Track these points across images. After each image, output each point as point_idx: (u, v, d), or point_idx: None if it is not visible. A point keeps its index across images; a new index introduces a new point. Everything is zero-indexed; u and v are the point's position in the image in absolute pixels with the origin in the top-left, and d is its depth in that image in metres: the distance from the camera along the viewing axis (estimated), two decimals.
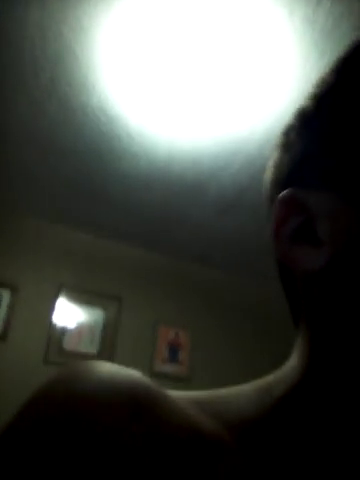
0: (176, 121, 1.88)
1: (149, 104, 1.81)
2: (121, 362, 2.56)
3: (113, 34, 1.55)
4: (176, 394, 0.30)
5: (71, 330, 2.55)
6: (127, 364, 2.57)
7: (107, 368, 0.27)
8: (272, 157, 0.36)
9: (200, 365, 2.74)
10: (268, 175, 0.37)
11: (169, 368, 2.66)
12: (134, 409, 0.24)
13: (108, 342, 2.59)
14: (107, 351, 2.56)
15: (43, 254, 2.67)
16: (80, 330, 2.57)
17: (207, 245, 2.78)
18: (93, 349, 2.54)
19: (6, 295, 2.48)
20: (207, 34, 1.51)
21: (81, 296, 2.63)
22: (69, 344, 2.51)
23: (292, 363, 0.33)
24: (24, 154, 2.18)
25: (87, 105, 1.86)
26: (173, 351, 2.72)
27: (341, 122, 0.30)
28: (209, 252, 2.86)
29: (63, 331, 2.53)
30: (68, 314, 2.57)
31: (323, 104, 0.32)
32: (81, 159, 2.18)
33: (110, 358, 2.54)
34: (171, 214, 2.51)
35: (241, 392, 0.32)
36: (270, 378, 0.33)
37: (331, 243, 0.29)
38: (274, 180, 0.35)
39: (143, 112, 1.86)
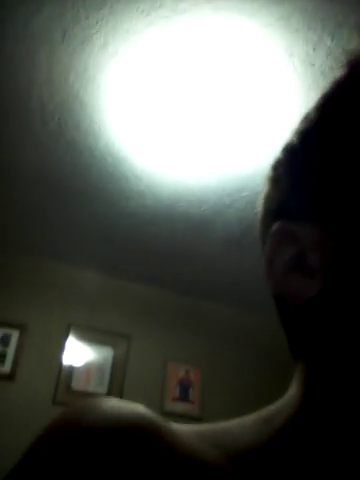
0: (181, 160, 1.92)
1: (154, 145, 1.86)
2: (131, 400, 2.52)
3: (118, 79, 1.61)
4: (179, 426, 0.30)
5: (80, 369, 2.52)
6: (136, 403, 2.53)
7: (112, 403, 0.28)
8: (263, 191, 0.38)
9: (212, 403, 2.68)
10: (259, 209, 0.38)
11: (180, 407, 2.61)
12: (138, 441, 0.25)
13: (117, 381, 2.55)
14: (116, 390, 2.53)
15: (52, 293, 2.68)
16: (89, 369, 2.54)
17: (215, 281, 2.78)
18: (102, 389, 2.51)
19: (15, 335, 2.48)
20: (210, 76, 1.57)
21: (90, 335, 2.62)
22: (78, 384, 2.48)
23: (291, 392, 0.33)
24: (33, 195, 2.23)
25: (94, 148, 1.92)
26: (184, 389, 2.67)
27: (325, 157, 0.32)
28: (217, 288, 2.86)
29: (72, 371, 2.50)
30: (77, 353, 2.56)
31: (308, 140, 0.34)
32: (89, 200, 2.22)
33: (120, 397, 2.50)
34: (178, 251, 2.52)
35: (243, 423, 0.33)
36: (271, 408, 0.33)
37: (322, 273, 0.30)
38: (265, 213, 0.37)
39: (149, 153, 1.90)
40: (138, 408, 0.28)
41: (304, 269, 0.31)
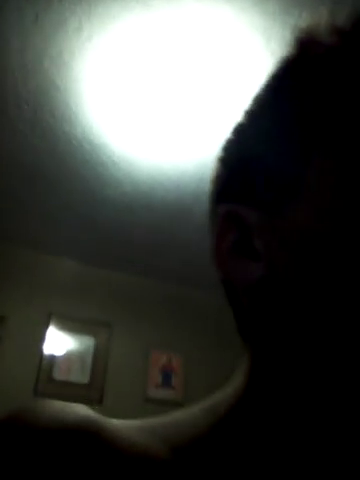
0: (159, 147, 1.90)
1: (132, 131, 1.84)
2: (113, 389, 2.53)
3: (94, 64, 1.58)
4: (123, 423, 0.31)
5: (61, 359, 2.51)
6: (119, 391, 2.54)
7: (54, 405, 0.28)
8: (213, 171, 0.37)
9: (195, 389, 2.71)
10: (210, 189, 0.37)
11: (163, 393, 2.62)
12: (81, 441, 0.25)
13: (99, 370, 2.55)
14: (98, 379, 2.52)
15: (31, 283, 2.65)
16: (70, 359, 2.53)
17: (195, 268, 2.78)
18: (84, 378, 2.50)
19: None
20: (187, 61, 1.55)
21: (70, 324, 2.61)
22: (59, 374, 2.47)
23: (236, 379, 0.33)
24: (10, 183, 2.19)
25: (71, 134, 1.88)
26: (166, 376, 2.69)
27: (270, 139, 0.31)
28: (197, 275, 2.87)
29: (53, 361, 2.49)
30: (58, 343, 2.54)
31: (255, 120, 0.33)
32: (66, 187, 2.19)
33: (102, 386, 2.51)
34: (157, 238, 2.52)
35: (188, 414, 0.32)
36: (217, 396, 0.33)
37: (266, 256, 0.30)
38: (213, 195, 0.36)
39: (126, 139, 1.88)
40: (80, 409, 0.29)
41: (249, 253, 0.31)
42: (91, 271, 2.83)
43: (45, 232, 2.55)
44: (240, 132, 0.34)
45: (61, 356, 2.52)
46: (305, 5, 1.38)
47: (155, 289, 2.96)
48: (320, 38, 0.31)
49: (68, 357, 2.53)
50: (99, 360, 2.57)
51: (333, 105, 0.28)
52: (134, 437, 0.28)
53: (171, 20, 1.43)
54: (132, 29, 1.46)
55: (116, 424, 0.29)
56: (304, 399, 0.28)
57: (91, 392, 2.47)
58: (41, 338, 2.52)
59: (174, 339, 2.83)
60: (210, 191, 0.37)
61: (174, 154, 1.94)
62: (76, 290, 2.74)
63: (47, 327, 2.55)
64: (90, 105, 1.74)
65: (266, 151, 0.31)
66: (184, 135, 1.84)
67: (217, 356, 2.88)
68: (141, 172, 2.06)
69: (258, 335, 0.32)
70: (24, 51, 1.56)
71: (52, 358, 2.49)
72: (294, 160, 0.29)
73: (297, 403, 0.28)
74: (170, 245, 2.57)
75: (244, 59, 1.53)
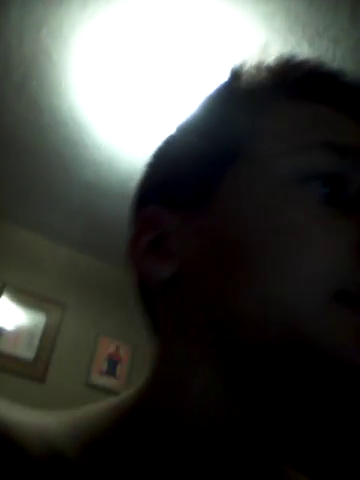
0: (142, 137, 1.90)
1: (118, 117, 1.83)
2: (57, 370, 2.51)
3: (92, 43, 1.56)
4: (32, 415, 0.31)
5: (9, 332, 2.47)
6: (62, 373, 2.52)
7: None
8: (140, 177, 0.41)
9: (138, 381, 2.71)
10: (132, 203, 0.41)
11: (105, 381, 2.62)
12: None
13: (46, 348, 2.52)
14: (44, 357, 2.50)
15: None
16: (19, 333, 2.49)
17: None
18: (30, 354, 2.47)
19: None
20: (185, 56, 1.55)
21: (24, 298, 2.57)
22: (5, 346, 2.43)
23: (145, 376, 0.35)
24: None
25: (56, 109, 1.85)
26: (112, 364, 2.69)
27: (192, 150, 0.35)
28: None
29: (0, 332, 2.45)
30: (8, 315, 2.50)
31: (183, 133, 0.37)
32: (43, 161, 2.15)
33: (46, 365, 2.48)
34: (125, 227, 2.50)
35: (101, 409, 0.33)
36: (127, 392, 0.35)
37: (179, 254, 0.33)
38: (137, 196, 0.40)
39: (111, 124, 1.87)
40: None
41: (162, 252, 0.34)
42: (52, 248, 2.79)
43: (12, 202, 2.50)
44: (169, 142, 0.38)
45: (9, 329, 2.48)
46: (309, 29, 1.40)
47: (115, 277, 2.94)
48: (249, 71, 0.36)
49: (17, 331, 2.49)
50: (47, 338, 2.55)
51: (244, 129, 0.33)
52: (42, 432, 0.28)
53: (176, 13, 1.42)
54: (136, 13, 1.45)
55: (24, 417, 0.29)
56: (203, 392, 0.30)
57: (35, 369, 2.44)
58: None
59: (126, 329, 2.82)
60: (134, 196, 0.40)
61: (155, 145, 1.94)
62: (34, 265, 2.69)
63: None
64: (81, 83, 1.72)
65: (188, 160, 0.35)
66: (167, 127, 1.84)
67: None
68: (121, 160, 2.05)
69: (165, 330, 0.34)
70: (23, 16, 1.52)
71: (0, 329, 2.45)
72: (211, 170, 0.33)
73: (196, 398, 0.30)
74: None
75: (240, 52, 1.54)
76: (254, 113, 0.34)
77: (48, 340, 2.54)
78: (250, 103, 0.34)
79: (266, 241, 0.29)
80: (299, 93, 0.33)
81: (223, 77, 0.38)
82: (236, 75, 0.37)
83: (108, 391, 2.57)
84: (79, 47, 1.59)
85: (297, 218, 0.29)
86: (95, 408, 0.34)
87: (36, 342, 2.51)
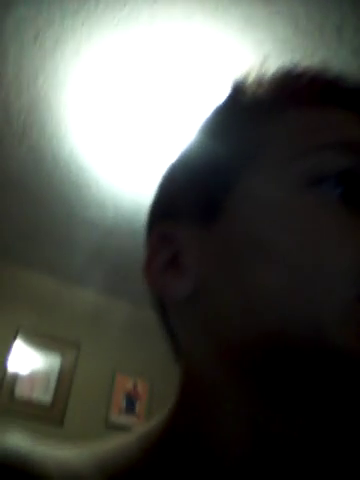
0: (145, 174, 1.92)
1: (119, 156, 1.86)
2: (75, 411, 2.47)
3: (88, 87, 1.61)
4: (57, 453, 0.30)
5: (25, 376, 2.45)
6: (81, 414, 2.48)
7: None
8: (151, 200, 0.40)
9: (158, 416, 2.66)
10: (145, 223, 0.40)
11: (125, 419, 2.57)
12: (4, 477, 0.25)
13: (63, 390, 2.49)
14: (62, 399, 2.46)
15: (1, 295, 2.60)
16: (34, 376, 2.47)
17: None
18: (47, 397, 2.44)
19: None
20: (182, 92, 1.59)
21: (38, 340, 2.56)
22: (22, 391, 2.40)
23: (172, 402, 0.33)
24: None
25: (58, 154, 1.89)
26: (130, 402, 2.64)
27: (202, 164, 0.35)
28: None
29: (16, 377, 2.42)
30: (23, 359, 2.48)
31: (192, 149, 0.38)
32: (49, 205, 2.18)
33: (64, 408, 2.44)
34: (135, 263, 2.50)
35: (127, 440, 0.33)
36: (152, 422, 0.34)
37: (195, 270, 0.32)
38: (149, 217, 0.40)
39: (112, 163, 1.90)
40: (5, 440, 0.28)
41: (179, 269, 0.33)
42: (64, 289, 2.80)
43: (21, 246, 2.53)
44: (177, 161, 0.39)
45: (25, 373, 2.46)
46: (297, 53, 1.44)
47: (127, 313, 2.93)
48: (252, 83, 0.37)
49: (32, 374, 2.47)
50: (64, 380, 2.52)
51: (252, 138, 0.33)
52: (65, 467, 0.28)
53: (170, 49, 1.47)
54: (130, 58, 1.49)
55: (47, 454, 0.29)
56: (234, 414, 0.28)
57: (53, 413, 2.41)
58: (6, 352, 2.46)
59: (142, 365, 2.79)
60: (146, 219, 0.40)
61: (158, 182, 1.96)
62: (47, 307, 2.69)
63: (14, 341, 2.50)
64: (80, 126, 1.76)
65: (198, 174, 0.35)
66: (168, 163, 1.86)
67: None
68: (125, 197, 2.07)
69: (188, 351, 0.33)
70: (21, 65, 1.57)
71: (15, 374, 2.43)
72: (221, 181, 0.33)
73: (228, 420, 0.29)
74: None
75: (233, 78, 1.57)
76: (260, 122, 0.34)
77: (64, 381, 2.51)
78: (256, 113, 0.35)
79: (285, 246, 0.28)
80: (304, 99, 0.34)
81: (219, 101, 0.39)
82: (239, 87, 0.37)
83: (128, 429, 2.51)
84: (75, 91, 1.63)
85: (314, 219, 0.28)
86: (119, 440, 0.33)
87: (53, 384, 2.48)
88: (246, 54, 1.45)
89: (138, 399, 2.66)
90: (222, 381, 0.29)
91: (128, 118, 1.70)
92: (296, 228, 0.28)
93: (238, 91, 0.37)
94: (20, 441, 0.29)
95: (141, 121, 1.70)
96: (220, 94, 0.39)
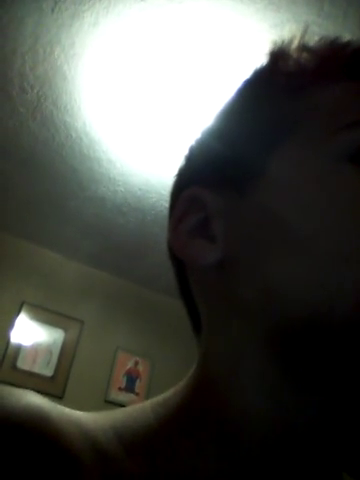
0: (157, 152, 1.91)
1: (132, 132, 1.84)
2: (75, 386, 2.50)
3: (104, 60, 1.58)
4: (75, 414, 0.30)
5: (27, 349, 2.47)
6: (81, 389, 2.51)
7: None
8: (178, 167, 0.39)
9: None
10: (172, 188, 0.39)
11: (124, 397, 2.60)
12: (21, 431, 0.24)
13: (64, 365, 2.52)
14: (62, 374, 2.49)
15: (7, 269, 2.61)
16: (37, 350, 2.50)
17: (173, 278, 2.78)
18: (48, 371, 2.47)
19: None
20: (197, 70, 1.56)
21: (42, 315, 2.58)
22: (24, 363, 2.43)
23: (190, 372, 0.33)
24: (2, 165, 2.16)
25: (71, 126, 1.88)
26: (131, 380, 2.67)
27: (239, 130, 0.34)
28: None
29: (19, 350, 2.45)
30: (27, 332, 2.51)
31: (225, 116, 0.36)
32: (58, 178, 2.17)
33: (65, 382, 2.48)
34: (142, 242, 2.51)
35: (141, 408, 0.32)
36: (170, 391, 0.33)
37: (224, 238, 0.31)
38: (176, 186, 0.38)
39: (125, 139, 1.88)
40: (27, 396, 0.27)
41: (207, 235, 0.32)
42: (70, 265, 2.81)
43: (29, 220, 2.53)
44: (210, 127, 0.37)
45: (28, 346, 2.48)
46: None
47: (132, 292, 2.94)
48: (291, 53, 0.34)
49: (35, 348, 2.50)
50: (66, 355, 2.54)
51: (290, 109, 0.32)
52: (83, 430, 0.27)
53: (186, 27, 1.44)
54: (147, 31, 1.47)
55: (66, 414, 0.28)
56: (255, 390, 0.28)
57: (53, 386, 2.44)
58: (10, 325, 2.49)
59: (144, 344, 2.81)
60: (173, 184, 0.39)
61: (171, 162, 1.94)
62: (53, 282, 2.71)
63: (18, 315, 2.52)
64: (95, 100, 1.74)
65: (234, 139, 0.34)
66: (183, 144, 1.85)
67: (185, 367, 2.87)
68: (136, 174, 2.06)
69: (211, 322, 0.32)
70: (38, 36, 1.55)
71: (18, 347, 2.46)
72: (259, 148, 0.32)
73: (248, 396, 0.28)
74: (153, 251, 2.56)
75: (251, 62, 1.55)
76: (300, 93, 0.33)
77: (66, 357, 2.54)
78: (295, 84, 0.33)
79: (322, 222, 0.27)
80: (345, 73, 0.33)
81: (238, 82, 0.37)
82: (276, 58, 0.35)
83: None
84: (92, 64, 1.61)
85: (354, 196, 0.27)
86: (132, 410, 0.32)
87: (55, 359, 2.51)
88: (265, 36, 1.42)
89: (138, 377, 2.69)
90: (241, 354, 0.29)
91: (143, 94, 1.67)
92: (332, 207, 0.27)
93: (276, 60, 0.35)
94: (41, 399, 0.28)
95: (156, 98, 1.68)
96: (235, 77, 0.37)
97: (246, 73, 0.38)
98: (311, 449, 0.27)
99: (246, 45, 1.46)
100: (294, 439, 0.27)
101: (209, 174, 0.34)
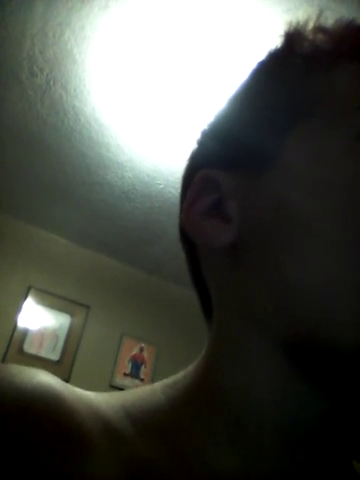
0: (166, 139, 1.89)
1: (141, 118, 1.83)
2: (80, 371, 2.52)
3: (114, 44, 1.57)
4: (86, 394, 0.30)
5: (34, 333, 2.49)
6: (86, 374, 2.53)
7: (12, 368, 0.27)
8: (191, 151, 0.39)
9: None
10: (184, 172, 0.39)
11: (129, 383, 2.62)
12: (34, 408, 0.24)
13: (70, 349, 2.54)
14: (68, 358, 2.51)
15: (15, 253, 2.62)
16: (43, 334, 2.52)
17: (181, 264, 2.78)
18: (54, 355, 2.49)
19: None
20: (207, 56, 1.54)
21: (49, 299, 2.59)
22: (30, 347, 2.45)
23: (202, 354, 0.33)
24: (8, 151, 2.16)
25: (80, 110, 1.86)
26: (136, 366, 2.69)
27: (254, 112, 0.33)
28: (182, 271, 2.86)
29: (25, 333, 2.47)
30: (33, 317, 2.53)
31: (241, 98, 0.36)
32: (67, 163, 2.17)
33: (71, 366, 2.50)
34: (149, 229, 2.51)
35: (151, 389, 0.32)
36: (180, 373, 0.33)
37: (238, 220, 0.31)
38: (188, 169, 0.38)
39: (135, 125, 1.87)
40: (39, 374, 0.28)
41: (222, 216, 0.32)
42: (78, 251, 2.82)
43: (37, 204, 2.53)
44: (224, 112, 0.36)
45: (35, 330, 2.50)
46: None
47: (138, 279, 2.95)
48: (307, 34, 0.33)
49: (42, 332, 2.51)
50: (72, 339, 2.56)
51: (308, 90, 0.31)
52: (95, 410, 0.27)
53: (200, 11, 1.42)
54: (160, 15, 1.45)
55: (77, 393, 0.28)
56: (264, 379, 0.28)
57: (59, 370, 2.46)
58: (17, 309, 2.51)
59: (149, 330, 2.83)
60: (185, 168, 0.38)
61: (179, 149, 1.93)
62: (60, 267, 2.72)
63: (25, 299, 2.54)
64: (104, 84, 1.72)
65: (250, 121, 0.33)
66: (193, 132, 1.83)
67: (190, 353, 2.88)
68: (144, 160, 2.05)
69: (219, 303, 0.32)
70: (48, 19, 1.54)
71: (25, 331, 2.47)
72: (275, 130, 0.31)
73: (256, 384, 0.28)
74: (160, 238, 2.56)
75: (261, 48, 1.52)
76: (315, 75, 0.32)
77: (72, 341, 2.56)
78: (311, 65, 0.32)
79: (340, 206, 0.26)
80: None
81: (250, 67, 0.37)
82: (291, 39, 0.34)
83: None
84: (102, 48, 1.59)
85: None
86: (142, 391, 0.32)
87: (61, 343, 2.53)
88: (278, 20, 1.39)
89: (143, 364, 2.71)
90: (253, 343, 0.28)
91: (153, 79, 1.66)
92: (351, 191, 0.26)
93: (291, 41, 0.34)
94: (52, 378, 0.28)
95: (166, 83, 1.66)
96: (246, 63, 0.36)
97: (258, 58, 0.37)
98: (323, 438, 0.27)
99: (259, 29, 1.43)
100: (306, 429, 0.27)
101: (223, 157, 0.34)
